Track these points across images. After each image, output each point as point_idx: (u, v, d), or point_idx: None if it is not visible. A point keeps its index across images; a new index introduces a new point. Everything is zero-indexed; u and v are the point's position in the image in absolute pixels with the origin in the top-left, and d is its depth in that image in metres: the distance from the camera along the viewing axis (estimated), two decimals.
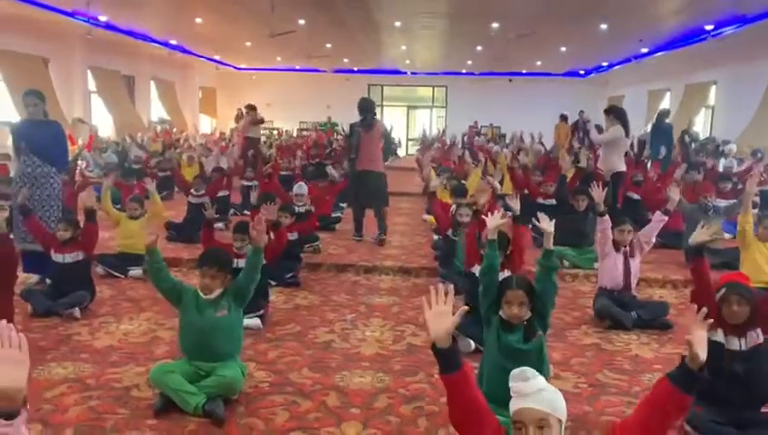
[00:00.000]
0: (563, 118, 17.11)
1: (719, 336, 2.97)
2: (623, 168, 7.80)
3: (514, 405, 2.01)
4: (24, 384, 1.49)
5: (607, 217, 4.87)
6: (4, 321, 1.51)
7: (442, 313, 2.08)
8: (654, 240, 5.03)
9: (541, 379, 2.04)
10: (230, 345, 3.42)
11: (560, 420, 1.94)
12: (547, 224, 3.50)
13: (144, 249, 5.67)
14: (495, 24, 14.22)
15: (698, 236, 3.36)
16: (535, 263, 3.40)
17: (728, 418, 2.84)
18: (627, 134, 7.76)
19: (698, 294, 3.19)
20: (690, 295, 3.33)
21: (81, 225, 5.07)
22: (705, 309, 2.07)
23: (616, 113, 7.82)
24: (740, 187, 8.79)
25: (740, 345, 2.95)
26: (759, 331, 2.96)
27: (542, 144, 14.47)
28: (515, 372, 2.08)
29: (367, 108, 7.46)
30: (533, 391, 1.98)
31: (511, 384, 2.05)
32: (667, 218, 4.95)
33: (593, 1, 11.30)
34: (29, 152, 5.24)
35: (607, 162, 7.79)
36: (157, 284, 3.55)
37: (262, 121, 12.75)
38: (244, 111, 12.67)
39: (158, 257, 3.52)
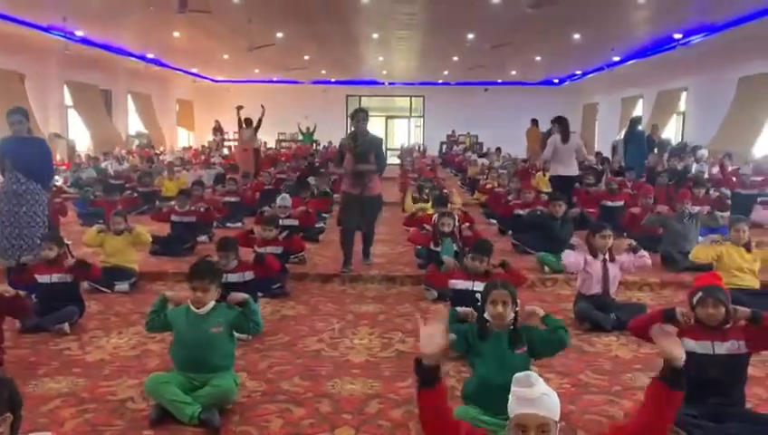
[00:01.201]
0: (534, 122, 17.47)
1: (687, 344, 3.08)
2: (567, 172, 8.41)
3: (517, 410, 2.10)
4: None
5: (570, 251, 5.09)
6: None
7: (437, 332, 2.17)
8: (633, 270, 5.17)
9: (542, 383, 2.15)
10: (224, 359, 3.48)
11: (556, 422, 2.07)
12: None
13: (128, 265, 5.75)
14: (471, 35, 14.47)
15: (681, 317, 3.17)
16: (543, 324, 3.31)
17: (705, 412, 2.97)
18: (565, 140, 8.33)
19: (643, 333, 3.24)
20: (636, 329, 3.37)
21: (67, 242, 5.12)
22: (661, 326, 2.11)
23: (557, 122, 8.50)
24: (714, 192, 9.08)
25: (712, 349, 3.06)
26: (743, 343, 3.06)
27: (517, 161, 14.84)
28: (519, 376, 2.17)
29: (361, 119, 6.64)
30: (537, 396, 2.08)
31: (514, 389, 2.14)
32: (647, 254, 5.06)
33: (566, 12, 11.56)
34: (14, 169, 5.25)
35: (552, 170, 8.57)
36: (151, 328, 3.69)
37: (260, 123, 13.44)
38: (241, 118, 13.41)
39: (164, 309, 3.59)
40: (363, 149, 6.38)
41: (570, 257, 5.01)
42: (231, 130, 23.74)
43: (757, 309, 3.13)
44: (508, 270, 4.68)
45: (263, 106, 12.92)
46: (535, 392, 2.09)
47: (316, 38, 15.05)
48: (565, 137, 8.37)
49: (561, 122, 8.46)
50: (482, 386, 3.09)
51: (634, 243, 5.21)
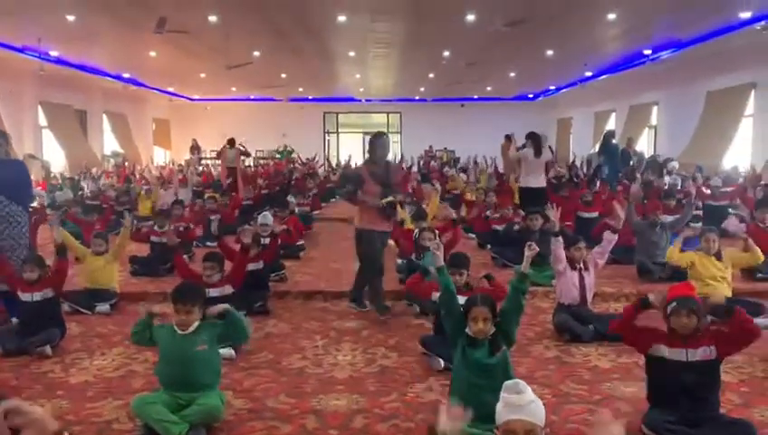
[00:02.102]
0: (507, 138, 17.72)
1: (662, 351, 3.22)
2: (537, 184, 8.79)
3: (506, 416, 2.20)
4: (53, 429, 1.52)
5: (560, 238, 5.13)
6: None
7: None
8: (606, 257, 5.33)
9: (530, 391, 2.24)
10: (210, 377, 3.51)
11: (542, 428, 2.17)
12: (529, 249, 3.63)
13: (108, 286, 5.75)
14: (447, 53, 14.69)
15: (654, 300, 3.40)
16: (508, 283, 3.57)
17: (681, 418, 3.07)
18: (537, 154, 8.71)
19: (625, 330, 3.47)
20: (618, 327, 3.57)
21: (48, 263, 5.10)
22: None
23: (530, 138, 8.97)
24: (684, 202, 9.27)
25: (686, 356, 3.18)
26: (713, 349, 3.18)
27: (496, 169, 14.95)
28: (509, 383, 2.27)
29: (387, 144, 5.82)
30: (525, 403, 2.18)
31: (503, 396, 2.24)
32: (615, 238, 5.24)
33: (538, 30, 11.82)
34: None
35: (522, 181, 9.06)
36: (137, 341, 3.73)
37: (248, 154, 15.21)
38: (228, 143, 14.40)
39: (150, 325, 3.61)
40: (392, 179, 5.68)
41: (560, 247, 5.10)
42: (208, 148, 23.77)
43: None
44: (492, 284, 4.68)
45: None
46: (524, 399, 2.19)
47: (293, 56, 15.16)
48: (537, 151, 8.73)
49: (533, 138, 8.86)
50: (466, 387, 3.22)
51: None
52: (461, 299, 3.84)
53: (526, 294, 3.57)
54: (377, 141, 5.70)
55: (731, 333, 3.19)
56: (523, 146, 9.27)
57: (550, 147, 10.10)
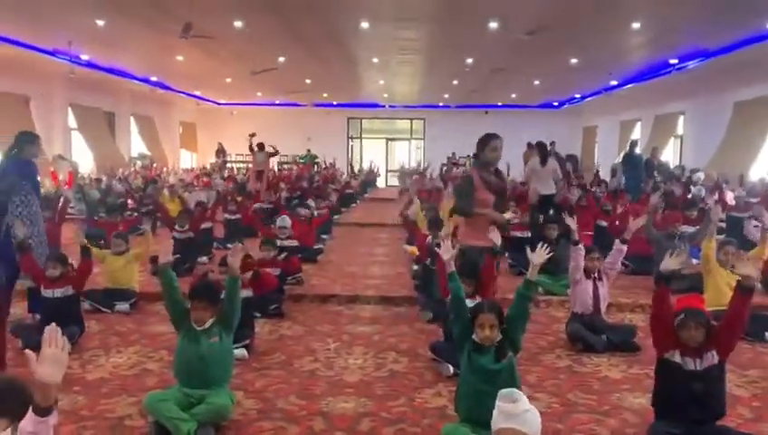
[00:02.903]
0: (530, 146, 17.62)
1: (678, 357, 3.20)
2: (545, 191, 9.16)
3: (500, 424, 2.23)
4: (60, 382, 1.70)
5: (581, 246, 5.11)
6: (53, 324, 1.74)
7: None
8: (618, 267, 5.29)
9: (525, 400, 2.27)
10: (222, 372, 3.60)
11: None
12: (537, 256, 3.59)
13: (128, 285, 5.89)
14: (470, 60, 14.69)
15: (668, 263, 3.52)
16: (515, 290, 3.57)
17: (684, 430, 3.05)
18: (543, 162, 9.18)
19: (657, 319, 3.40)
20: (650, 319, 3.57)
21: (71, 261, 5.24)
22: None
23: (536, 147, 9.40)
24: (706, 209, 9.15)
25: (695, 365, 3.17)
26: (715, 352, 3.18)
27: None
28: (504, 392, 2.29)
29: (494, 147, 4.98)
30: (520, 412, 2.20)
31: (498, 404, 2.26)
32: (625, 248, 5.17)
33: (561, 38, 11.76)
34: (33, 191, 5.45)
35: (531, 190, 9.39)
36: (169, 303, 3.78)
37: (276, 153, 15.57)
38: (253, 144, 14.75)
39: (171, 277, 3.77)
40: (506, 188, 5.08)
41: (580, 257, 5.05)
42: (233, 151, 24.05)
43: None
44: (496, 257, 4.69)
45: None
46: (518, 408, 2.21)
47: (318, 62, 15.29)
48: (543, 160, 9.20)
49: (539, 147, 9.38)
50: (471, 393, 3.23)
51: None
52: (471, 302, 3.88)
53: (532, 301, 3.57)
54: (489, 142, 4.92)
55: (726, 320, 3.20)
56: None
57: (575, 156, 10.30)
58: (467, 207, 4.85)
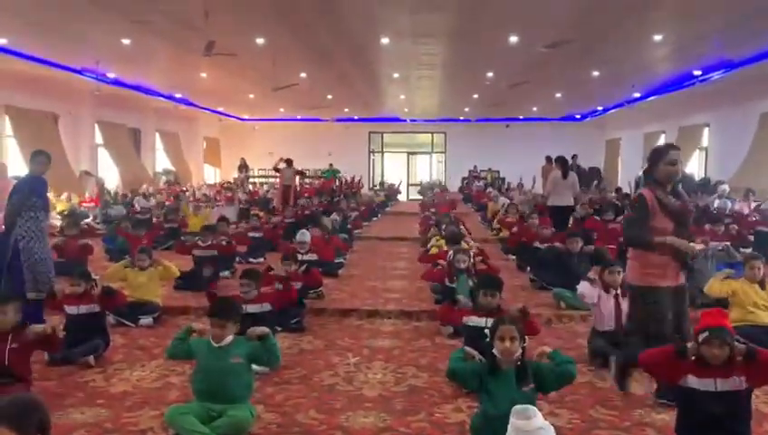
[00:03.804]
0: (548, 160, 17.54)
1: (691, 382, 3.14)
2: (564, 203, 9.85)
3: None
4: None
5: (586, 282, 5.12)
6: None
7: None
8: None
9: (540, 417, 2.26)
10: (242, 390, 3.62)
11: None
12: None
13: (151, 299, 5.98)
14: (490, 74, 14.71)
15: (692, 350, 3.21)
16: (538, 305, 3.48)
17: None
18: (564, 176, 9.81)
19: (651, 368, 3.43)
20: (644, 361, 3.41)
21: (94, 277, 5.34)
22: None
23: (558, 161, 10.14)
24: (733, 227, 9.03)
25: (715, 386, 3.10)
26: (744, 379, 3.10)
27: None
28: (518, 408, 2.29)
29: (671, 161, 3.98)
30: (533, 429, 2.19)
31: (512, 420, 2.25)
32: None
33: (582, 50, 11.74)
34: (45, 207, 5.59)
35: (549, 199, 10.08)
36: (172, 354, 3.87)
37: (304, 174, 16.81)
38: (282, 163, 15.43)
39: (188, 338, 3.80)
40: (689, 213, 4.16)
41: (585, 288, 5.10)
42: (256, 166, 24.29)
43: (753, 346, 3.18)
44: (527, 320, 4.25)
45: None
46: (532, 425, 2.20)
47: (339, 78, 15.44)
48: (564, 174, 9.78)
49: (561, 162, 9.99)
50: (487, 422, 3.15)
51: None
52: (488, 321, 3.84)
53: (569, 363, 3.30)
54: (665, 154, 3.96)
55: (762, 364, 3.10)
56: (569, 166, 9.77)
57: (597, 168, 10.48)
58: (643, 236, 3.92)
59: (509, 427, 2.25)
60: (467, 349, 3.51)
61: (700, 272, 6.79)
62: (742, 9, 8.98)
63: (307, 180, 23.97)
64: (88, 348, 4.83)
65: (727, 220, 9.44)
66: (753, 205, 11.33)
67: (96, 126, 17.15)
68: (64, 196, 13.77)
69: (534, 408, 2.28)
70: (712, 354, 3.11)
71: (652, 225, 3.90)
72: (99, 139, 17.41)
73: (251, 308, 5.09)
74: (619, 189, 16.46)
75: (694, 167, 17.76)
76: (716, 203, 12.23)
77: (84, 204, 14.23)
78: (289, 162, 15.32)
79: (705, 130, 17.61)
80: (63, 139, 15.30)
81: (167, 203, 14.39)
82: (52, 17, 9.68)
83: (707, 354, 3.12)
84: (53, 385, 4.36)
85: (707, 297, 6.15)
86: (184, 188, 18.63)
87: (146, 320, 6.01)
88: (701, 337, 3.17)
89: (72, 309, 5.07)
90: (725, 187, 13.18)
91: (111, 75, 14.62)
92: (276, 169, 15.34)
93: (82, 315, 5.04)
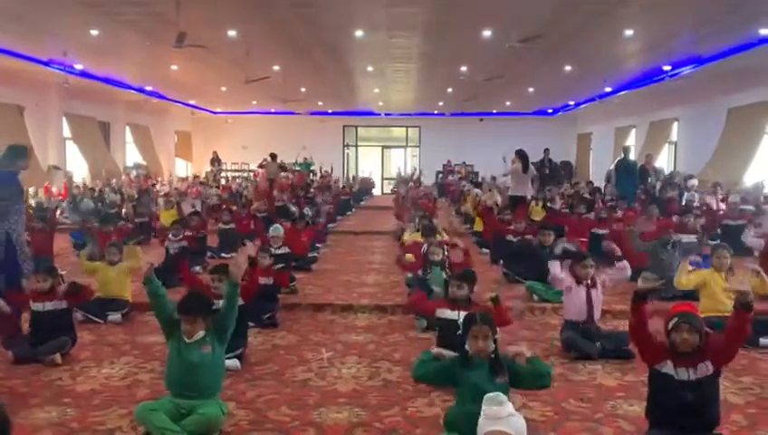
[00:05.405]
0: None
1: (668, 368, 3.18)
2: (523, 193, 10.70)
3: (486, 428, 2.22)
4: None
5: (556, 261, 5.30)
6: None
7: None
8: (620, 285, 5.45)
9: (510, 405, 2.27)
10: (213, 381, 3.58)
11: None
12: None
13: (121, 295, 5.87)
14: (464, 68, 14.72)
15: (643, 284, 3.41)
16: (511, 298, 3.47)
17: None
18: (524, 170, 10.52)
19: (634, 329, 3.38)
20: (629, 330, 3.52)
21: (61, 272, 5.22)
22: None
23: (518, 155, 10.65)
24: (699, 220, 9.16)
25: (688, 375, 3.13)
26: (709, 363, 3.15)
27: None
28: (490, 395, 2.30)
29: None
30: (505, 415, 2.20)
31: (484, 408, 2.26)
32: (626, 263, 5.26)
33: (555, 45, 11.80)
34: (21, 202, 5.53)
35: (511, 190, 11.03)
36: (157, 312, 3.80)
37: (285, 169, 16.83)
38: (268, 158, 15.78)
39: (157, 286, 3.78)
40: None
41: (555, 268, 5.21)
42: (229, 160, 24.04)
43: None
44: (497, 307, 4.37)
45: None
46: (504, 411, 2.20)
47: (312, 70, 15.31)
48: (525, 167, 10.53)
49: (521, 155, 10.60)
50: (462, 415, 3.13)
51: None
52: (461, 314, 3.83)
53: (546, 375, 3.29)
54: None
55: (726, 336, 3.16)
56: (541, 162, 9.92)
57: (569, 162, 10.60)
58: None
59: (480, 415, 2.25)
60: (435, 351, 3.47)
61: (668, 265, 6.90)
62: (710, 6, 9.11)
63: (282, 174, 23.82)
64: (54, 345, 4.71)
65: (696, 213, 9.57)
66: (721, 198, 11.53)
67: (64, 119, 16.78)
68: (32, 190, 13.47)
69: (505, 396, 2.28)
70: (681, 340, 3.13)
71: None
72: (67, 132, 17.05)
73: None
74: (589, 183, 16.65)
75: (663, 161, 18.04)
76: (685, 196, 12.42)
77: (52, 199, 13.93)
78: (273, 156, 15.35)
79: (675, 125, 17.88)
80: (30, 132, 14.92)
81: (136, 196, 14.16)
82: (18, 6, 9.41)
83: (677, 340, 3.14)
84: (18, 384, 4.25)
85: (676, 290, 6.25)
86: (153, 183, 18.34)
87: (114, 316, 5.90)
88: (671, 324, 3.19)
89: (37, 306, 4.93)
90: (694, 181, 13.40)
91: (80, 67, 14.29)
92: (261, 166, 15.42)
93: (48, 312, 4.91)
